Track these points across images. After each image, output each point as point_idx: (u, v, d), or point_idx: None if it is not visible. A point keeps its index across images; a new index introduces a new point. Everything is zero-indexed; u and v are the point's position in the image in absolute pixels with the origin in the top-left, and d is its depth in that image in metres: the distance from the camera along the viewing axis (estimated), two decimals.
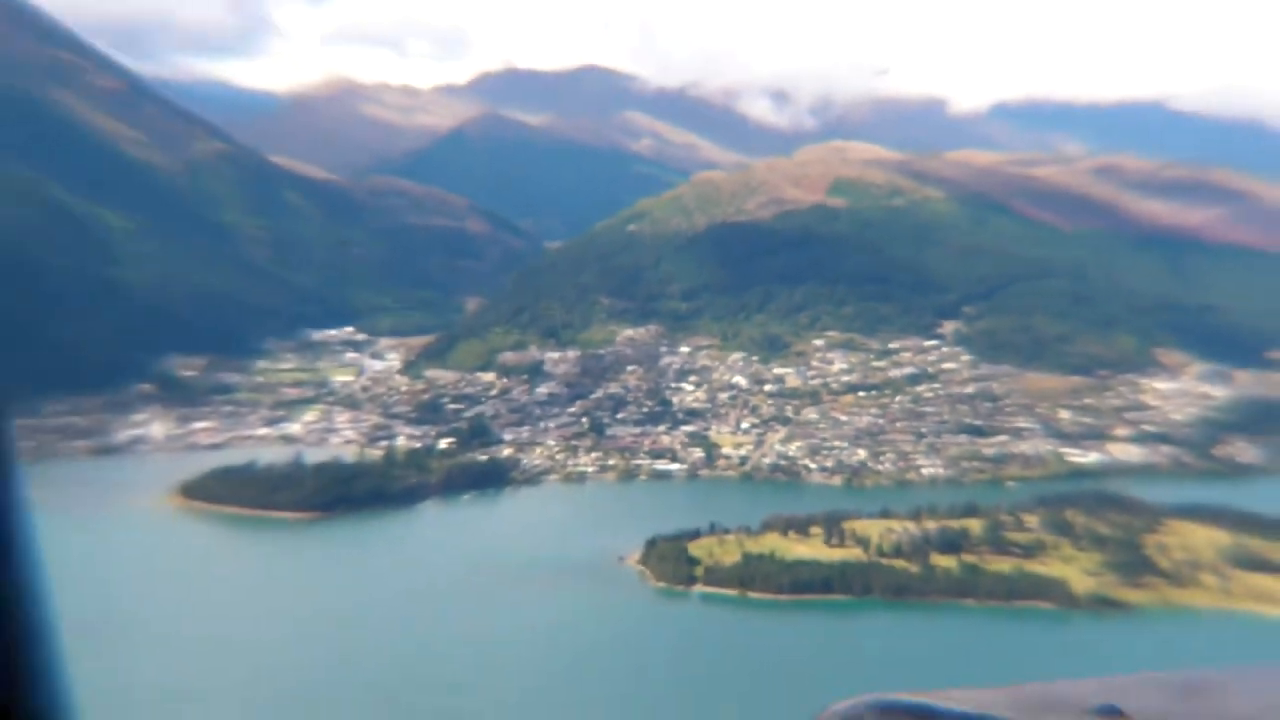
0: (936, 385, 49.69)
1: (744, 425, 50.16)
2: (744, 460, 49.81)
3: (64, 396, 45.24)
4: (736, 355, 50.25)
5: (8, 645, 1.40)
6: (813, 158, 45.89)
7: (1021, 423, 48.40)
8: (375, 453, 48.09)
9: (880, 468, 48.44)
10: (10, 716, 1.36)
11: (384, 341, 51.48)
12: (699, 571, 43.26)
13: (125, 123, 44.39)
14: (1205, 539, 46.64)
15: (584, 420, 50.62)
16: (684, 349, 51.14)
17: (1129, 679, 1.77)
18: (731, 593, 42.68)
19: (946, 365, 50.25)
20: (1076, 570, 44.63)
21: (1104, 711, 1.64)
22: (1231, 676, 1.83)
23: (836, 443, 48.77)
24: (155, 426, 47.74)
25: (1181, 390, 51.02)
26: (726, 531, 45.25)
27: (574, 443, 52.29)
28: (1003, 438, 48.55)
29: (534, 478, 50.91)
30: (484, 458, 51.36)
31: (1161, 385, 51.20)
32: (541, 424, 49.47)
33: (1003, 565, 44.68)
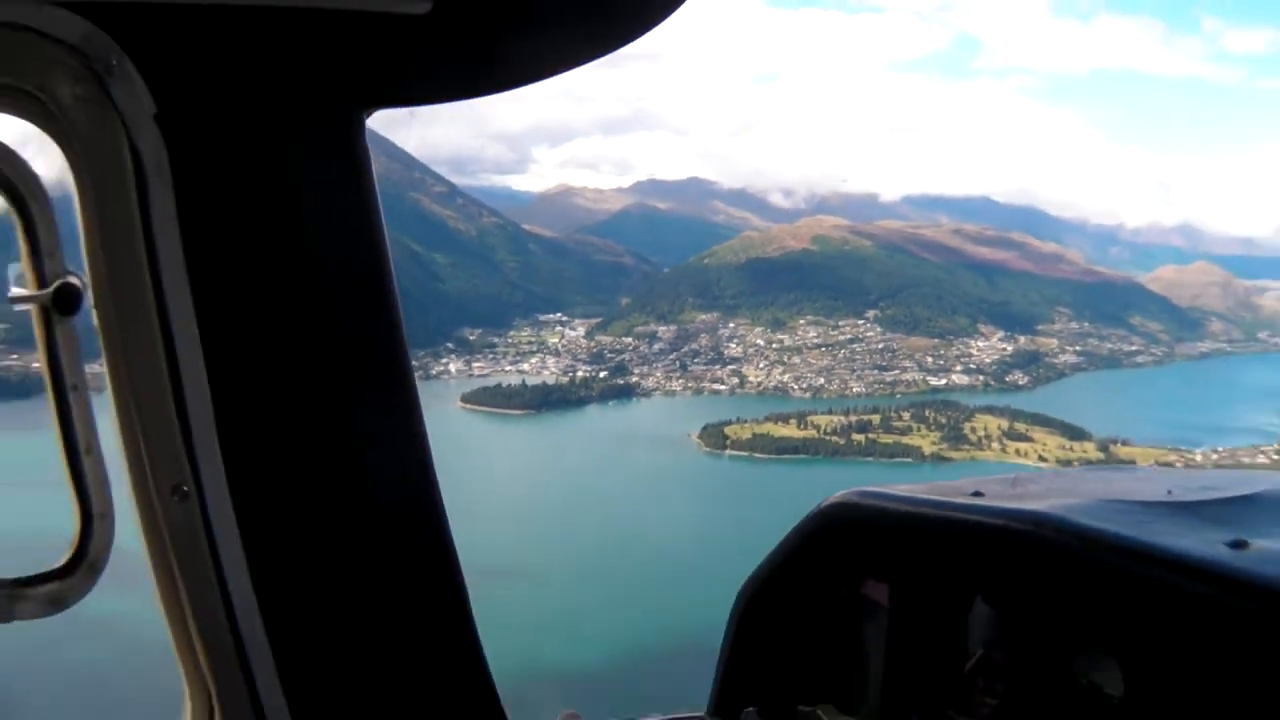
0: (863, 345, 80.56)
1: (760, 365, 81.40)
2: (760, 384, 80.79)
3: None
4: (759, 328, 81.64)
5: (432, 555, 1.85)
6: (804, 224, 78.47)
7: (905, 364, 79.49)
8: (565, 380, 79.97)
9: (830, 387, 79.12)
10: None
11: (576, 321, 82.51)
12: (728, 442, 68.33)
13: (448, 209, 76.56)
14: (994, 424, 72.19)
15: (676, 362, 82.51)
16: (731, 325, 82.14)
17: (984, 478, 2.05)
18: (745, 454, 67.92)
19: (868, 334, 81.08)
20: (927, 441, 70.01)
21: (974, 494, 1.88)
22: (1032, 475, 2.15)
23: (808, 375, 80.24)
24: (452, 366, 79.16)
25: (990, 347, 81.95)
26: (744, 421, 71.16)
27: (670, 375, 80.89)
28: (895, 371, 79.69)
29: (648, 393, 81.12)
30: (622, 383, 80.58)
31: (979, 344, 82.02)
32: (654, 364, 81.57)
33: (888, 439, 70.13)
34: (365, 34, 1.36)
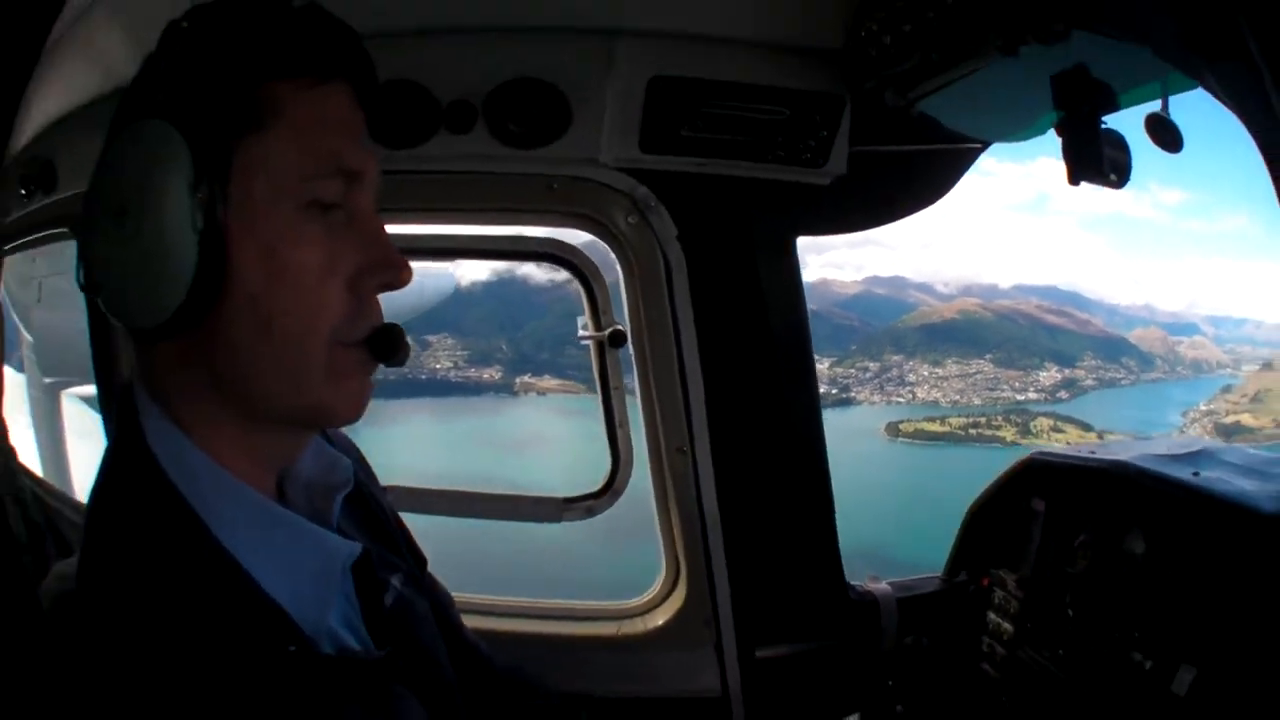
0: (982, 375, 72.99)
1: (924, 388, 69.20)
2: (923, 399, 69.36)
3: None
4: (925, 365, 72.30)
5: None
6: (956, 303, 67.56)
7: (1004, 387, 70.18)
8: None
9: (961, 401, 66.65)
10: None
11: (825, 360, 62.53)
12: (899, 433, 61.64)
13: None
14: (1045, 423, 63.68)
15: (877, 385, 69.55)
16: (910, 363, 68.51)
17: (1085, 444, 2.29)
18: (908, 440, 61.76)
19: (985, 369, 69.42)
20: (1009, 434, 62.38)
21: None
22: (1102, 444, 2.33)
23: (951, 394, 64.72)
24: None
25: (1049, 376, 76.17)
26: (911, 420, 67.39)
27: (873, 393, 72.79)
28: (998, 392, 71.08)
29: (859, 404, 73.80)
30: (845, 397, 71.86)
31: (1043, 375, 78.83)
32: (864, 386, 68.68)
33: (988, 432, 61.09)
34: (793, 192, 1.96)
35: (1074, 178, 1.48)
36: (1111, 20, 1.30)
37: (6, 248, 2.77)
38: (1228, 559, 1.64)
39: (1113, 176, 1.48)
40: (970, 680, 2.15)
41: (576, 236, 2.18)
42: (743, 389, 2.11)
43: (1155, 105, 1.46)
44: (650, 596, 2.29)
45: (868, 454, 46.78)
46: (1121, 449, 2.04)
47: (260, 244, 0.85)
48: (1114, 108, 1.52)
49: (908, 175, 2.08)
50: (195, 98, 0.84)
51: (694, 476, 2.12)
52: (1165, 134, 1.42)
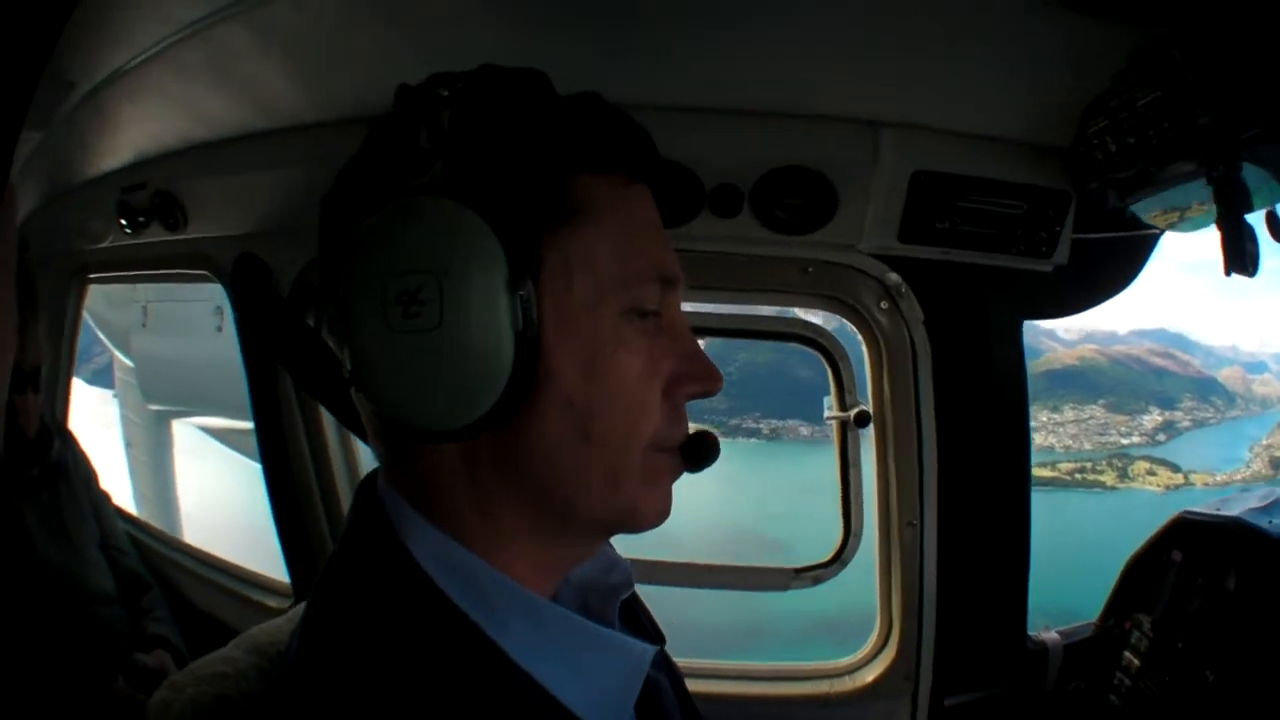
0: (1094, 420, 59.67)
1: (1042, 433, 46.18)
2: (1038, 445, 63.87)
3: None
4: (1045, 410, 50.09)
5: None
6: (1076, 350, 59.73)
7: (1111, 431, 53.29)
8: None
9: (1073, 446, 50.46)
10: None
11: None
12: None
13: None
14: (1143, 466, 49.25)
15: None
16: (1033, 408, 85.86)
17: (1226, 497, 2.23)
18: None
19: (1097, 413, 63.24)
20: (1109, 478, 47.82)
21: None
22: (1227, 498, 2.25)
23: (1065, 439, 48.75)
24: None
25: (1151, 419, 64.62)
26: None
27: None
28: (1106, 436, 55.72)
29: None
30: None
31: (1147, 419, 63.15)
32: None
33: (1091, 477, 47.09)
34: (1024, 278, 2.00)
35: (1228, 269, 1.58)
36: None
37: (119, 275, 2.78)
38: None
39: (1250, 267, 1.60)
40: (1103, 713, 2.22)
41: (816, 316, 2.25)
42: (971, 466, 2.13)
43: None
44: (860, 656, 2.30)
45: None
46: (1237, 503, 2.17)
47: (581, 346, 0.78)
48: (1251, 208, 1.59)
49: (1109, 261, 2.13)
50: (501, 183, 0.76)
51: (919, 548, 2.15)
52: (1277, 229, 1.59)
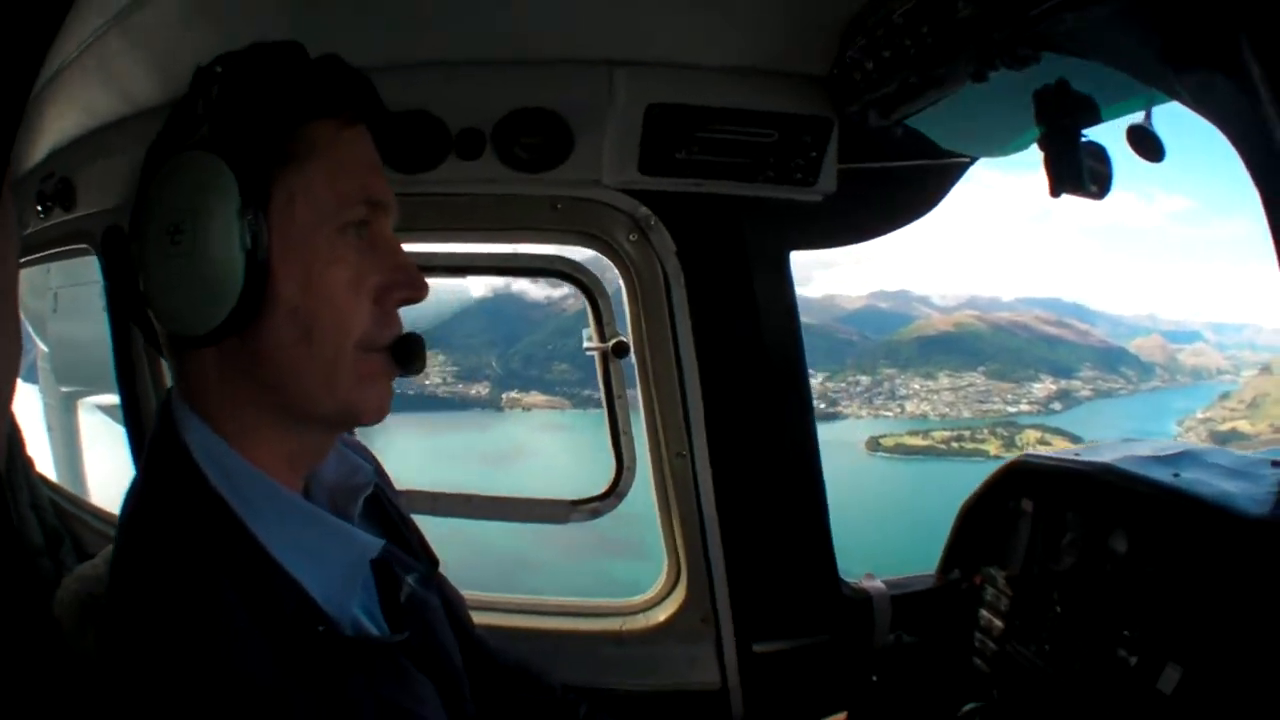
0: (974, 388, 70.12)
1: (914, 401, 67.90)
2: (911, 413, 68.56)
3: None
4: (917, 379, 69.90)
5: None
6: (953, 316, 69.55)
7: (995, 399, 69.05)
8: None
9: (950, 414, 65.94)
10: None
11: (820, 374, 67.40)
12: (880, 447, 62.93)
13: None
14: (1033, 436, 59.28)
15: (866, 399, 67.57)
16: (902, 376, 68.05)
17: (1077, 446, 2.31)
18: (887, 455, 62.41)
19: (977, 381, 69.57)
20: (993, 447, 59.97)
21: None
22: (1094, 445, 2.33)
23: (941, 406, 65.35)
24: None
25: (1044, 388, 71.81)
26: (894, 434, 67.60)
27: (861, 406, 71.28)
28: (989, 404, 69.01)
29: (846, 418, 69.72)
30: (833, 411, 70.89)
31: (1038, 387, 78.75)
32: (854, 400, 68.47)
33: (970, 445, 61.89)
34: (786, 209, 2.11)
35: (1054, 190, 1.58)
36: (1077, 42, 1.37)
37: (23, 260, 2.77)
38: (1208, 559, 1.67)
39: (1093, 188, 1.57)
40: (962, 675, 2.26)
41: (580, 253, 2.31)
42: (739, 397, 2.24)
43: (1139, 116, 1.52)
44: (652, 594, 2.43)
45: (844, 468, 46.22)
46: (1108, 450, 2.14)
47: (301, 263, 0.99)
48: (1096, 121, 1.60)
49: (896, 191, 2.24)
50: (241, 135, 0.97)
51: (693, 480, 2.26)
52: (1146, 144, 1.50)
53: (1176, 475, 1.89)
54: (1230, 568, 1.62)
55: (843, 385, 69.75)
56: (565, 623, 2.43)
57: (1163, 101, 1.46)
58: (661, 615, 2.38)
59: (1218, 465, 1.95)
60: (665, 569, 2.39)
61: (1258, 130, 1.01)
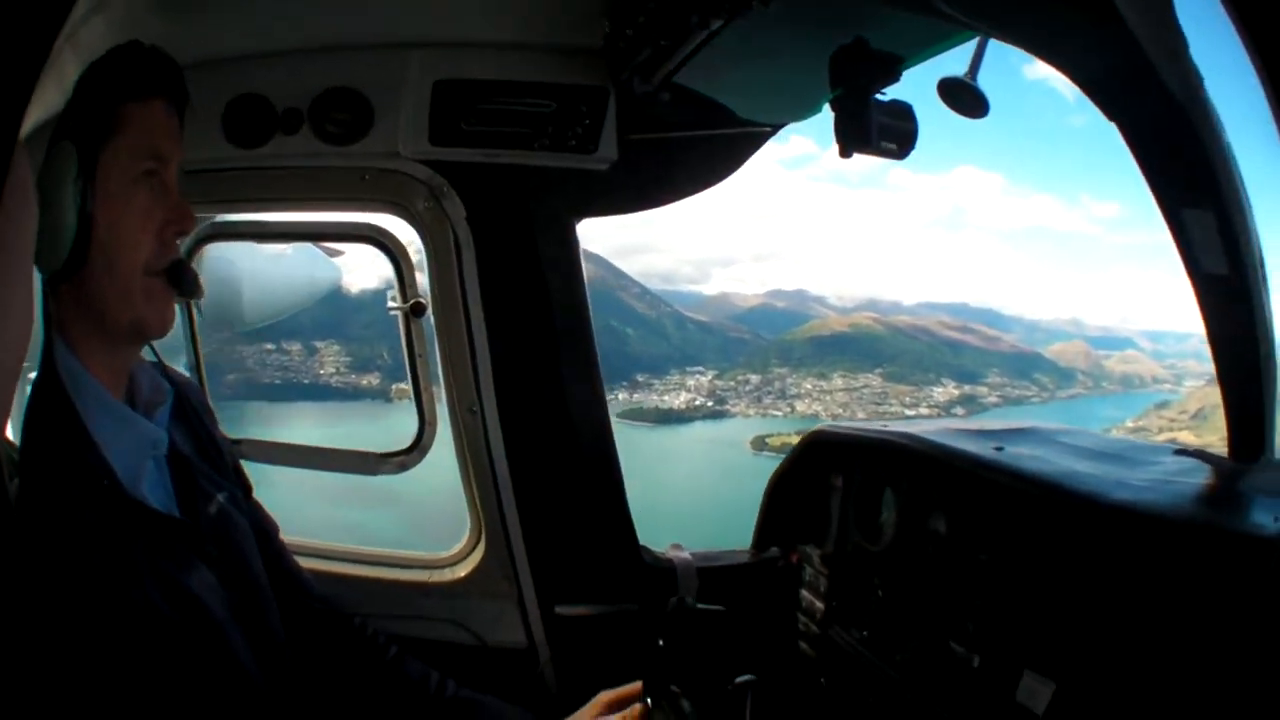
0: (870, 390, 75.25)
1: (805, 401, 76.01)
2: (802, 413, 74.14)
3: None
4: (809, 379, 75.64)
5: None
6: (850, 317, 76.82)
7: (892, 402, 75.10)
8: (684, 407, 67.89)
9: (843, 414, 65.05)
10: None
11: (709, 371, 78.94)
12: (765, 446, 58.71)
13: (640, 303, 78.17)
14: None
15: (756, 398, 69.87)
16: (794, 376, 71.95)
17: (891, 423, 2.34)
18: (773, 454, 56.91)
19: (873, 383, 75.84)
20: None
21: None
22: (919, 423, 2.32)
23: (833, 407, 67.28)
24: (621, 395, 65.30)
25: (945, 393, 78.32)
26: (780, 434, 60.80)
27: (750, 405, 69.01)
28: (886, 407, 72.88)
29: (734, 417, 70.03)
30: (720, 409, 68.76)
31: (939, 391, 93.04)
32: (742, 399, 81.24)
33: None
34: (575, 178, 2.23)
35: (844, 151, 1.59)
36: None
37: None
38: (1062, 550, 1.60)
39: (889, 146, 1.57)
40: (789, 658, 2.30)
41: (397, 223, 2.51)
42: (525, 357, 2.38)
43: (960, 71, 1.55)
44: (457, 550, 2.57)
45: (727, 466, 48.60)
46: (929, 424, 2.32)
47: (111, 212, 1.34)
48: (894, 78, 1.61)
49: (685, 160, 2.34)
50: (78, 121, 1.34)
51: (484, 436, 2.39)
52: (960, 98, 1.53)
53: (1000, 449, 1.83)
54: (1099, 563, 1.50)
55: (731, 383, 70.42)
56: (375, 571, 2.55)
57: (959, 43, 1.52)
58: (464, 571, 2.53)
59: (1073, 445, 1.86)
60: (469, 525, 2.54)
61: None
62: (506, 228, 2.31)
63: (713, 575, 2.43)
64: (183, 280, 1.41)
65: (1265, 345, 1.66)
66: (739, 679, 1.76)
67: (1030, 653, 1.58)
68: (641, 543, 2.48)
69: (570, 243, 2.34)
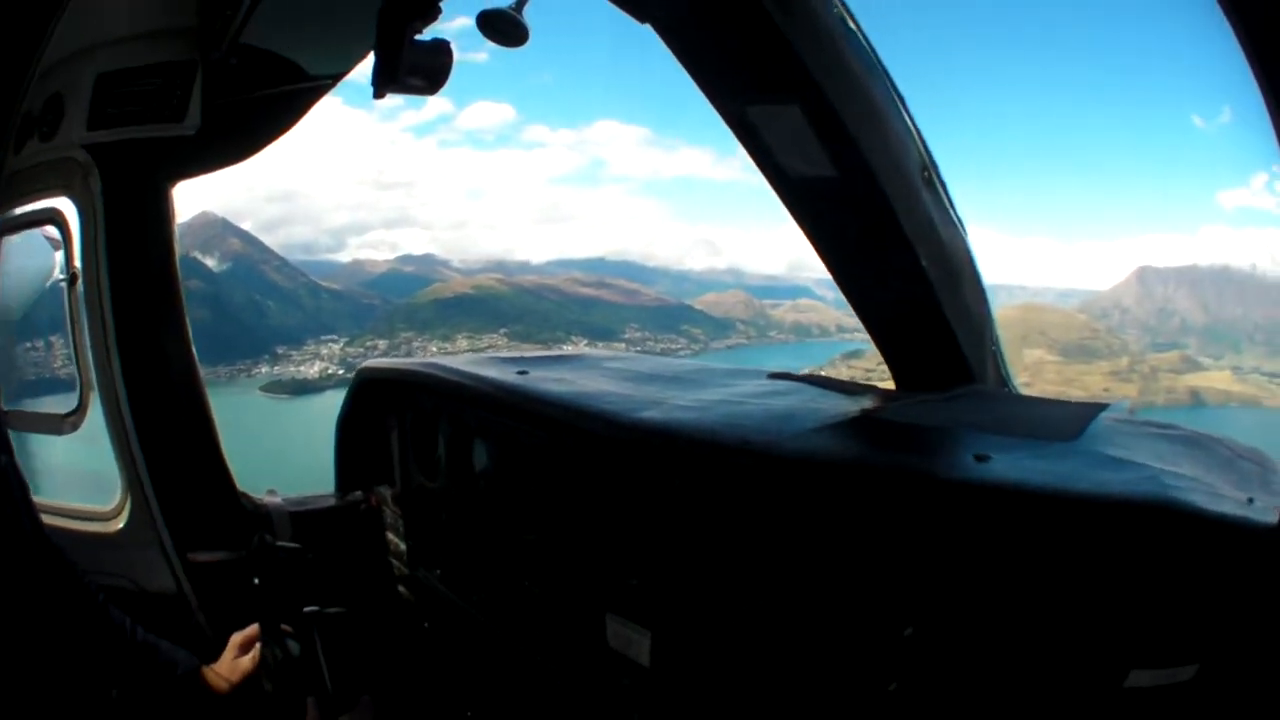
0: (494, 350, 62.02)
1: None
2: None
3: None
4: (434, 342, 68.25)
5: None
6: (474, 279, 74.08)
7: None
8: (317, 376, 69.68)
9: None
10: None
11: (342, 340, 74.56)
12: None
13: (279, 275, 71.61)
14: None
15: None
16: (420, 340, 69.63)
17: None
18: None
19: (499, 344, 67.94)
20: None
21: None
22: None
23: None
24: (263, 369, 71.24)
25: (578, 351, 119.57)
26: None
27: None
28: None
29: None
30: (350, 376, 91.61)
31: (569, 349, 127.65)
32: None
33: None
34: (167, 145, 2.42)
35: (377, 91, 1.62)
36: None
37: None
38: (566, 467, 1.62)
39: (418, 82, 1.60)
40: (390, 601, 2.38)
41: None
42: (136, 324, 2.52)
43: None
44: (115, 504, 2.65)
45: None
46: (473, 356, 2.39)
47: None
48: (433, 12, 1.62)
49: (262, 116, 2.57)
50: None
51: (117, 397, 2.51)
52: (499, 28, 1.52)
53: (524, 374, 1.87)
54: (633, 490, 1.48)
55: (360, 350, 67.79)
56: (60, 522, 2.58)
57: None
58: (120, 524, 2.62)
59: (626, 370, 1.86)
60: (123, 479, 2.61)
61: None
62: (127, 200, 2.46)
63: (304, 519, 2.53)
64: None
65: (928, 248, 1.56)
66: (305, 609, 1.72)
67: (610, 596, 1.53)
68: (241, 489, 2.62)
69: (162, 206, 2.52)
